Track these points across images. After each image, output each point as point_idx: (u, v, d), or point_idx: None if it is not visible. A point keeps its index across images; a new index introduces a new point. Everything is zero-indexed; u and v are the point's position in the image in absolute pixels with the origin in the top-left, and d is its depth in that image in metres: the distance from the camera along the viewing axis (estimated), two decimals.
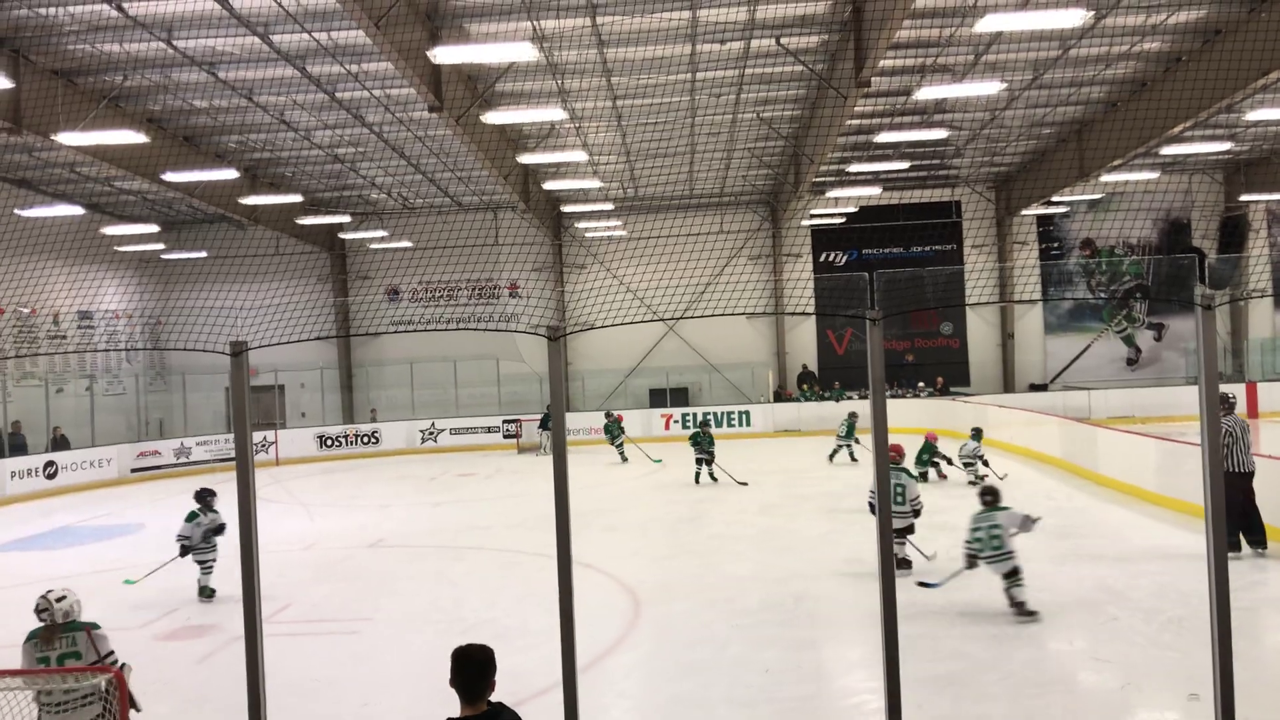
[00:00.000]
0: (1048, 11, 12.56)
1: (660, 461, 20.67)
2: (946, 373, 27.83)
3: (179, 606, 10.09)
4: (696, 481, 17.40)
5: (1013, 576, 8.50)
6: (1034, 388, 27.62)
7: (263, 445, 24.09)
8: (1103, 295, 28.59)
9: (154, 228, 25.03)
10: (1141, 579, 9.45)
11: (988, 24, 12.23)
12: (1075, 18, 12.15)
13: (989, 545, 8.67)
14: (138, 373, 27.22)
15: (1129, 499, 13.88)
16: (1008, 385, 28.04)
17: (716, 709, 6.73)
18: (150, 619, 9.67)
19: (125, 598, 10.70)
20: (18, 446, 20.81)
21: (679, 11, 13.94)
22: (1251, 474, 10.00)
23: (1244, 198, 26.97)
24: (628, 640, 8.33)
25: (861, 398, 26.23)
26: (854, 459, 19.28)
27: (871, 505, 10.11)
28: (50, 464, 20.51)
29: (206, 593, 10.39)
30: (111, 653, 5.51)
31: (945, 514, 12.29)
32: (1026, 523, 8.75)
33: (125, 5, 12.91)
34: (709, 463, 17.54)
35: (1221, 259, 27.66)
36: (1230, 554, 8.68)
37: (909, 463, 12.74)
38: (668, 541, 12.60)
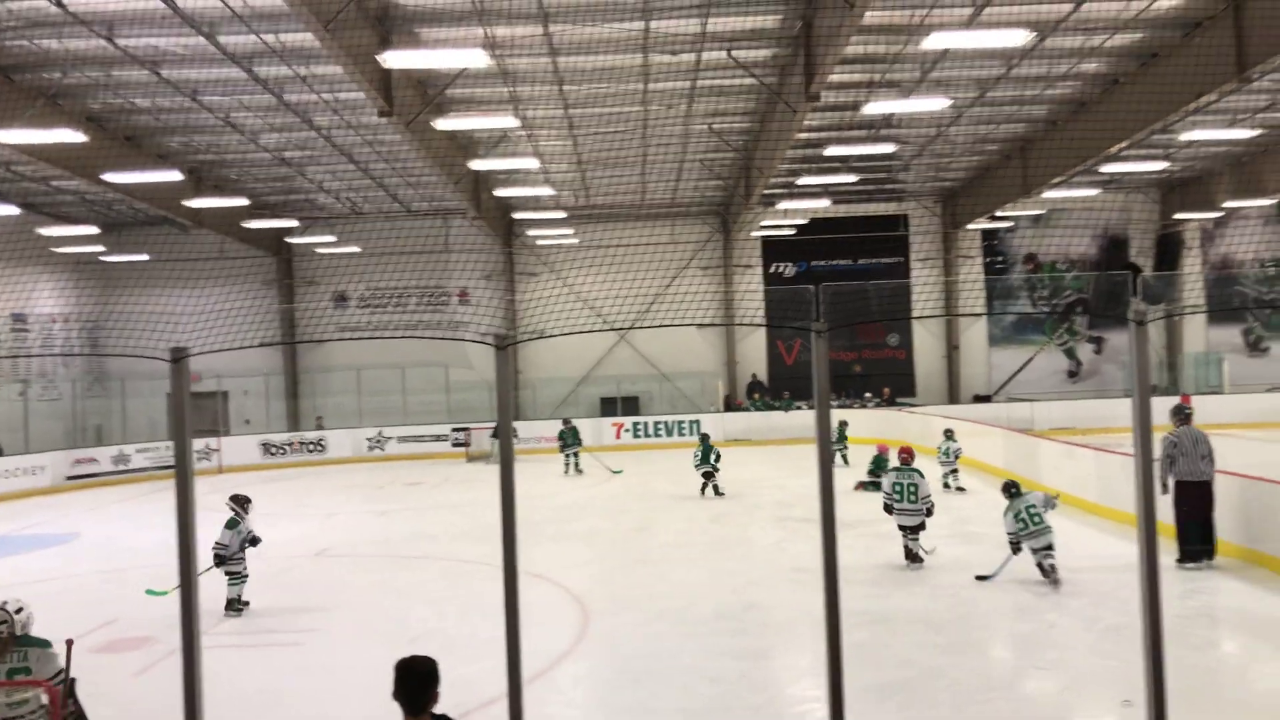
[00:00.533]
0: (992, 31, 12.86)
1: (620, 472, 20.61)
2: (893, 383, 28.21)
3: (116, 618, 9.82)
4: (703, 494, 16.74)
5: (1049, 548, 9.66)
6: (978, 399, 28.14)
7: (205, 453, 23.59)
8: (1045, 309, 29.25)
9: (93, 229, 24.42)
10: (1082, 587, 9.64)
11: (934, 41, 12.47)
12: (1018, 37, 12.45)
13: (1031, 523, 9.70)
14: (75, 378, 26.51)
15: (1070, 509, 14.14)
16: (953, 396, 28.52)
17: (666, 718, 6.72)
18: (86, 630, 9.39)
19: (57, 609, 10.39)
20: None
21: (631, 22, 13.99)
22: (1207, 483, 10.10)
23: (1178, 216, 27.80)
24: (576, 650, 8.29)
25: (810, 408, 26.47)
26: (846, 462, 19.57)
27: (888, 506, 11.11)
28: None
29: (236, 607, 9.77)
30: (61, 670, 5.27)
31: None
32: (1049, 501, 10.12)
33: (65, 1, 12.59)
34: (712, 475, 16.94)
35: (1155, 275, 28.46)
36: (1194, 564, 10.04)
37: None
38: (619, 551, 12.58)
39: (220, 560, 9.79)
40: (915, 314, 29.11)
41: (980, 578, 9.93)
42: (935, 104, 16.25)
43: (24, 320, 25.14)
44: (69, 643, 5.32)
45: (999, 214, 26.49)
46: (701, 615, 9.14)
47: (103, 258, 26.90)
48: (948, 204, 28.90)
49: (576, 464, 21.31)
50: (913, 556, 10.84)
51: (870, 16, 13.42)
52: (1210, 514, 10.15)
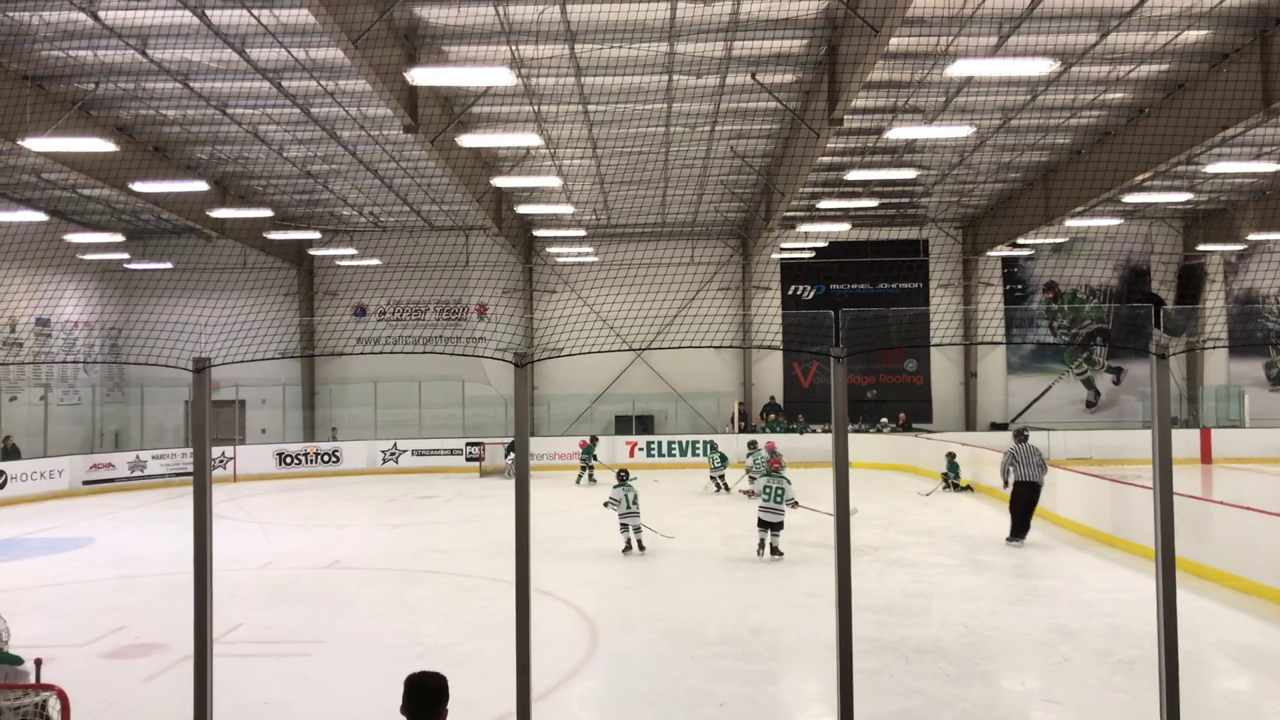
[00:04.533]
0: (1017, 60, 12.86)
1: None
2: (909, 409, 28.09)
3: (126, 624, 9.87)
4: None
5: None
6: (995, 426, 27.95)
7: (221, 461, 23.74)
8: (1065, 338, 29.08)
9: (119, 237, 24.70)
10: (1095, 620, 9.55)
11: (959, 69, 12.48)
12: (1043, 66, 12.44)
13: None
14: (95, 383, 26.77)
15: (1085, 540, 14.05)
16: (969, 423, 28.37)
17: None
18: (96, 635, 9.46)
19: (69, 614, 10.46)
20: None
21: (657, 43, 14.10)
22: (1037, 485, 13.76)
23: (1201, 247, 27.63)
24: (584, 670, 8.27)
25: (825, 431, 26.39)
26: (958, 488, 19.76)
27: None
28: None
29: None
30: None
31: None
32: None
33: (100, 13, 12.81)
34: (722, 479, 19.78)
35: (1177, 308, 28.27)
36: (1014, 541, 13.68)
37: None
38: (628, 570, 12.54)
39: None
40: (934, 341, 28.98)
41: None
42: (958, 131, 16.23)
43: (47, 325, 25.42)
44: (38, 661, 5.27)
45: (1020, 241, 26.42)
46: (709, 638, 9.10)
47: (127, 265, 27.21)
48: (968, 230, 28.85)
49: (591, 475, 22.04)
50: (774, 550, 12.68)
51: (895, 42, 13.50)
52: (1033, 507, 13.83)
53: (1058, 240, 27.62)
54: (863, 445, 24.21)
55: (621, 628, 9.52)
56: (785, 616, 9.89)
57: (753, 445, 20.74)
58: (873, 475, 22.35)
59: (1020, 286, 29.13)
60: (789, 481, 13.07)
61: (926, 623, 9.57)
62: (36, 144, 15.04)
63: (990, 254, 28.05)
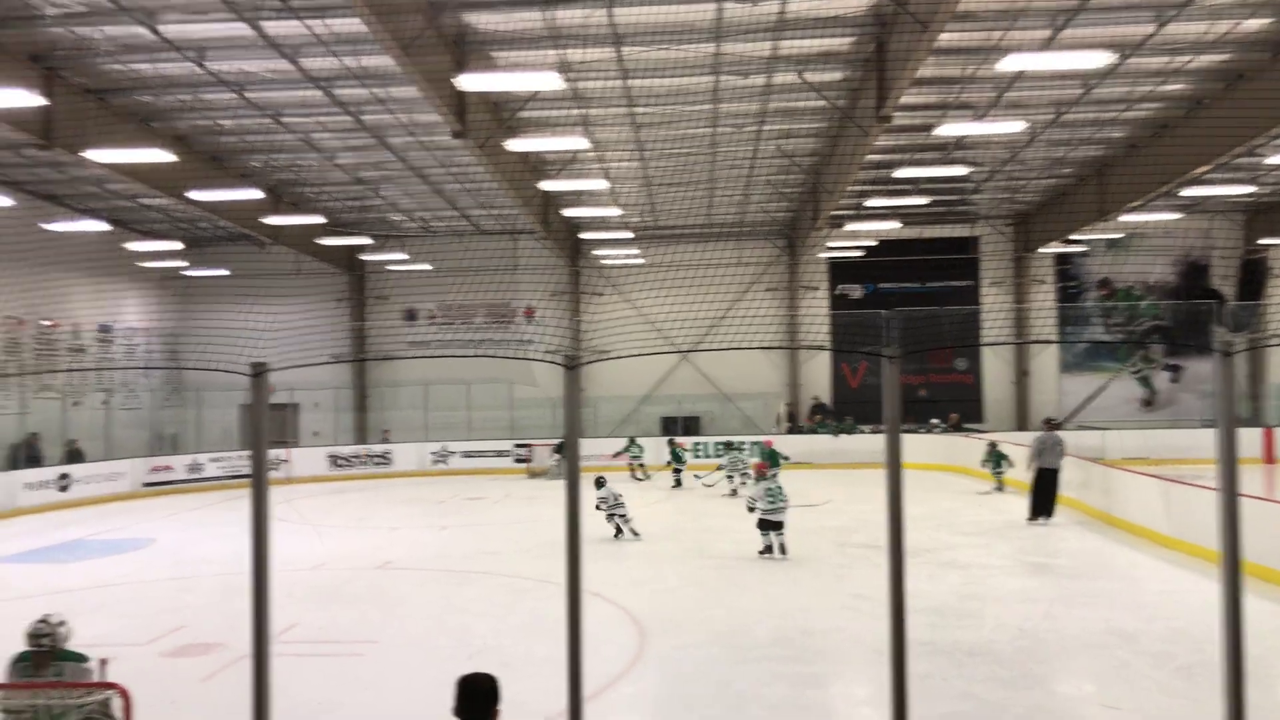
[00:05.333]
0: (1071, 53, 12.63)
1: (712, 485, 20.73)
2: (960, 409, 27.69)
3: (185, 624, 10.10)
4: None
5: None
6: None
7: (274, 463, 24.17)
8: (1120, 336, 28.47)
9: (177, 244, 25.33)
10: (1153, 623, 9.34)
11: (1010, 63, 12.30)
12: (1099, 59, 12.21)
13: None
14: (153, 388, 27.41)
15: (1142, 541, 13.75)
16: (1022, 423, 27.87)
17: None
18: (157, 635, 9.69)
19: (131, 613, 10.73)
20: (33, 458, 20.96)
21: (703, 44, 14.09)
22: (1058, 471, 15.31)
23: (1264, 241, 26.86)
24: (633, 672, 8.28)
25: (875, 432, 26.12)
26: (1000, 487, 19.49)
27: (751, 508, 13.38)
28: (64, 476, 20.61)
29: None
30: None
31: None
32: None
33: (159, 27, 13.14)
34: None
35: (1240, 304, 27.51)
36: (1039, 520, 15.31)
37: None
38: (675, 571, 12.54)
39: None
40: (986, 340, 28.54)
41: None
42: (1010, 126, 16.00)
43: (108, 331, 26.10)
44: (103, 661, 5.36)
45: (1073, 238, 25.90)
46: (757, 640, 9.07)
47: (184, 272, 27.85)
48: (1020, 227, 28.38)
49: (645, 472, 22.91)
50: (782, 549, 12.92)
51: (944, 38, 13.32)
52: (1055, 491, 15.36)
53: (1113, 236, 27.03)
54: (913, 446, 23.70)
55: (670, 630, 9.52)
56: (834, 619, 9.82)
57: (728, 446, 21.52)
58: (922, 476, 22.06)
59: (1074, 283, 28.57)
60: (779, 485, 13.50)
61: (979, 625, 9.44)
62: (99, 155, 15.45)
63: (1043, 250, 27.57)
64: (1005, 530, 15.12)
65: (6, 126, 15.11)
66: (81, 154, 15.50)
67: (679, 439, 23.82)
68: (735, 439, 23.54)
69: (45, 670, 5.18)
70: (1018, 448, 20.27)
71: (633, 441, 24.10)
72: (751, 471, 19.45)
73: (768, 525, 13.02)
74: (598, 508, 14.80)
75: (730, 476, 20.22)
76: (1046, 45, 13.78)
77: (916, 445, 24.26)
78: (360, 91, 15.78)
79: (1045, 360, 28.61)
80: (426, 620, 10.23)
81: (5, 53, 13.77)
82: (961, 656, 8.37)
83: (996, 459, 19.57)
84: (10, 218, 20.14)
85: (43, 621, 5.25)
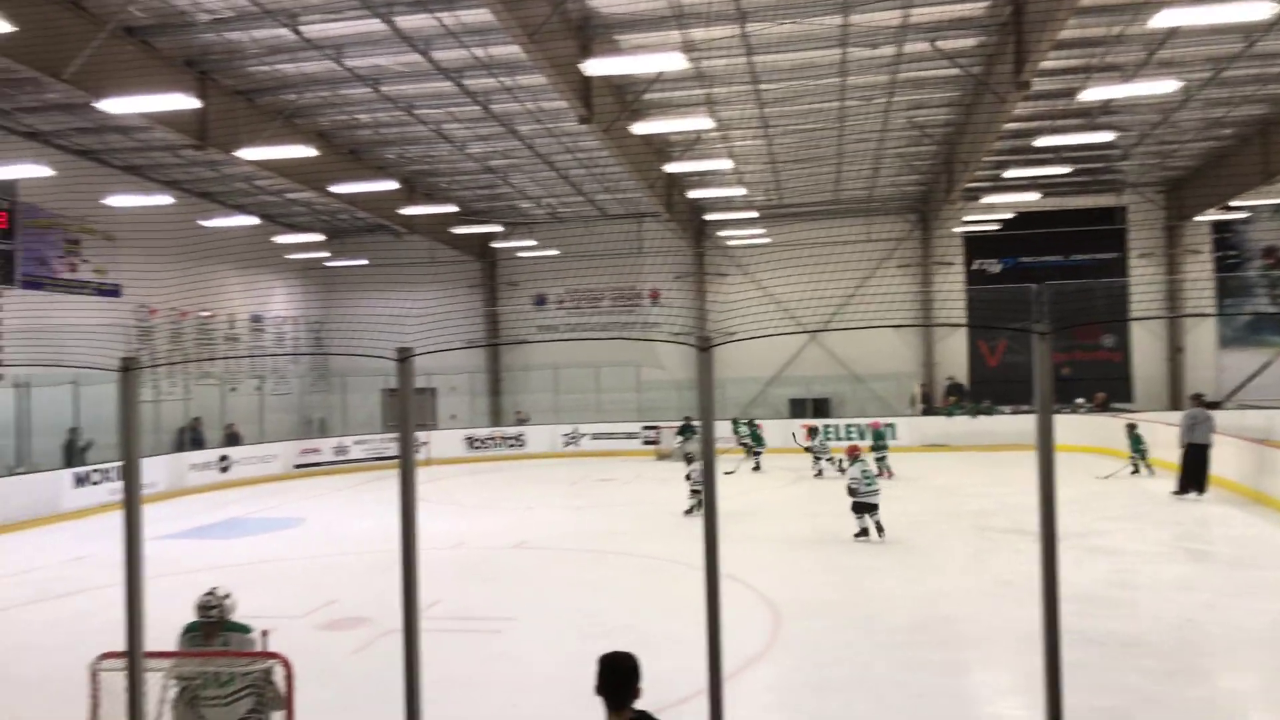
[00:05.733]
0: (1231, 4, 11.72)
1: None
2: (1108, 388, 26.32)
3: (336, 599, 10.58)
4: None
5: None
6: (1205, 406, 25.80)
7: (417, 446, 25.03)
8: None
9: (319, 236, 26.50)
10: None
11: (1162, 19, 11.53)
12: (1262, 9, 11.29)
13: None
14: (302, 374, 28.82)
15: None
16: (1175, 402, 26.26)
17: None
18: (310, 609, 10.19)
19: (286, 588, 11.32)
20: (197, 441, 22.38)
21: (830, 17, 13.75)
22: (1207, 445, 15.32)
23: None
24: (768, 654, 8.23)
25: (1015, 412, 25.15)
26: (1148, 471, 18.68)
27: (854, 490, 13.07)
28: (224, 458, 21.96)
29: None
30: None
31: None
32: None
33: (300, 27, 13.72)
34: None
35: None
36: (1192, 495, 15.35)
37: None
38: (809, 555, 12.40)
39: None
40: (1138, 314, 27.00)
41: None
42: (1162, 87, 14.98)
43: (260, 321, 27.57)
44: (264, 633, 5.61)
45: (1233, 204, 24.17)
46: (895, 625, 8.87)
47: (327, 263, 29.14)
48: (1172, 194, 26.69)
49: (757, 464, 22.03)
50: (879, 530, 12.84)
51: None
52: (1206, 467, 15.37)
53: (1278, 201, 25.10)
54: (1057, 426, 22.88)
55: (805, 613, 9.42)
56: (976, 605, 9.51)
57: (736, 423, 21.94)
58: (1067, 458, 21.11)
59: (1234, 253, 26.70)
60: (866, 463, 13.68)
61: (1133, 615, 8.98)
62: (249, 154, 16.28)
63: (1198, 219, 25.86)
64: (1157, 514, 14.33)
65: (166, 129, 16.12)
66: (233, 153, 16.36)
67: (759, 421, 23.53)
68: (741, 419, 23.40)
69: (214, 640, 5.48)
70: (1169, 427, 19.22)
71: (741, 422, 23.66)
72: (837, 455, 19.54)
73: (863, 508, 12.99)
74: (688, 477, 15.57)
75: (818, 458, 20.33)
76: None
77: (1062, 426, 23.23)
78: (489, 81, 16.09)
79: (1202, 335, 26.88)
80: (562, 598, 10.42)
81: (163, 59, 14.66)
82: (1116, 647, 7.97)
83: (1135, 440, 18.65)
84: (171, 215, 21.50)
85: (210, 594, 5.55)
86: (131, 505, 4.78)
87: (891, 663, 7.80)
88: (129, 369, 4.80)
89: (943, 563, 11.57)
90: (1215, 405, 15.62)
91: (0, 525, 16.11)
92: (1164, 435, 18.35)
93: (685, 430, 24.10)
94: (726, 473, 19.75)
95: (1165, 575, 10.50)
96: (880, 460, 19.46)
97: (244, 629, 5.60)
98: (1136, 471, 18.57)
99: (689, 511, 15.21)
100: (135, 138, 19.15)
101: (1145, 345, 27.27)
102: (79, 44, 12.68)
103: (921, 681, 7.35)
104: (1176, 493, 15.53)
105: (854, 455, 14.05)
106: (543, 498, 18.60)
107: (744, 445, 22.68)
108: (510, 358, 30.54)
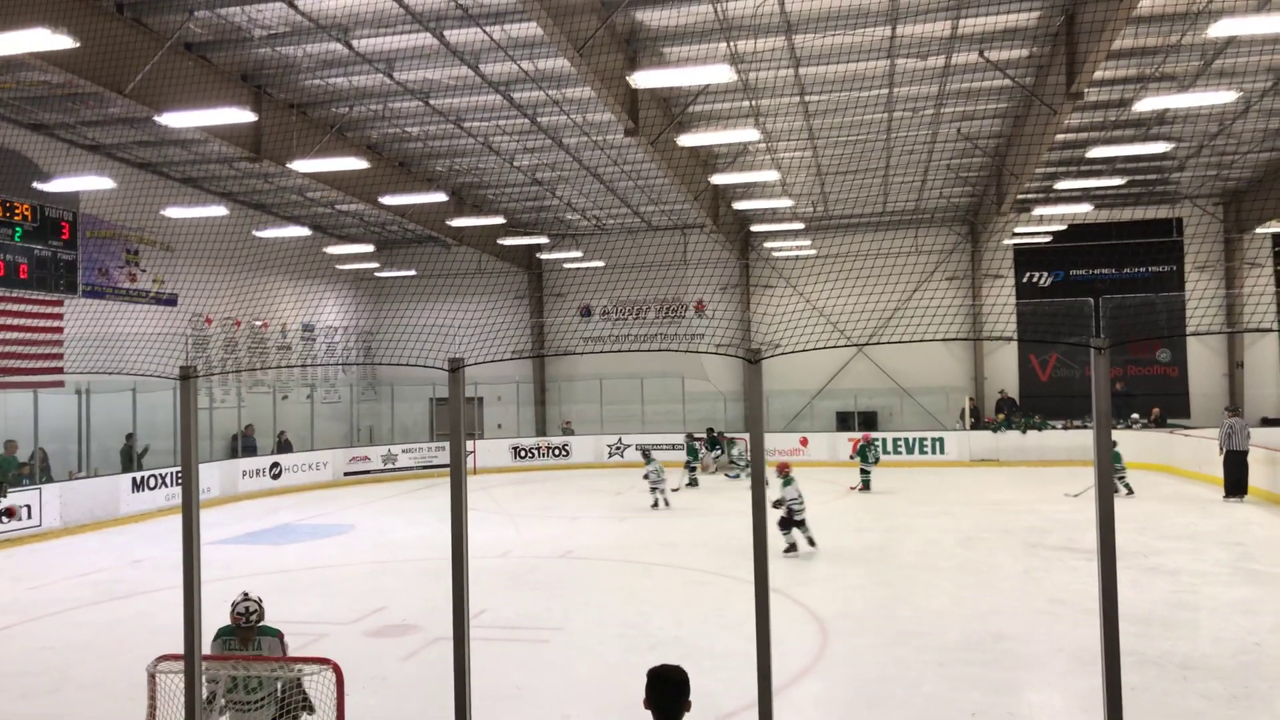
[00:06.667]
0: None
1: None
2: (1163, 403, 25.76)
3: (386, 605, 10.69)
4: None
5: None
6: (1267, 422, 25.10)
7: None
8: None
9: (369, 247, 26.87)
10: None
11: (1220, 29, 11.29)
12: None
13: None
14: (352, 383, 29.23)
15: None
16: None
17: None
18: (360, 615, 10.31)
19: (337, 594, 11.46)
20: (249, 448, 22.77)
21: (878, 28, 13.68)
22: (1245, 452, 16.59)
23: None
24: (815, 669, 8.16)
25: (1067, 428, 24.71)
26: (1129, 490, 18.00)
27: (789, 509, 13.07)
28: (275, 465, 22.32)
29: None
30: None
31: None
32: None
33: (352, 42, 13.96)
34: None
35: None
36: (1234, 498, 16.64)
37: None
38: (857, 570, 12.26)
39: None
40: (1197, 329, 26.35)
41: None
42: (1219, 97, 14.66)
43: (311, 330, 28.02)
44: (279, 635, 5.73)
45: None
46: (946, 643, 8.73)
47: (377, 274, 29.56)
48: (1230, 206, 26.10)
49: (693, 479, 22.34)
50: (810, 542, 13.19)
51: (1143, 5, 12.40)
52: (1246, 472, 16.57)
53: None
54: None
55: (853, 629, 9.32)
56: (1028, 624, 9.34)
57: (647, 455, 19.39)
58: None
59: None
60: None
61: (1194, 637, 8.76)
62: (302, 166, 16.58)
63: (1259, 231, 25.24)
64: (1220, 535, 13.97)
65: (222, 142, 16.48)
66: (286, 165, 16.67)
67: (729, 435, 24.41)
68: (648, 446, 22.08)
69: (250, 644, 5.58)
70: (1213, 442, 18.78)
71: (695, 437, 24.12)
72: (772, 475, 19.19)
73: (790, 524, 13.15)
74: (645, 477, 17.63)
75: (865, 471, 20.09)
76: (1263, 6, 12.59)
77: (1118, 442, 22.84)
78: (536, 94, 16.22)
79: (1263, 350, 26.21)
80: (608, 609, 10.42)
81: (220, 74, 15.00)
82: (1174, 669, 7.78)
83: (1114, 458, 18.05)
84: (226, 227, 21.94)
85: (245, 598, 5.64)
86: (189, 510, 4.88)
87: (942, 681, 7.69)
88: (187, 377, 4.91)
89: (994, 580, 11.38)
90: (1239, 412, 18.21)
91: (62, 528, 16.54)
92: (1207, 451, 18.79)
93: (712, 444, 24.17)
94: (673, 490, 19.63)
95: (1226, 597, 10.23)
96: (865, 475, 19.96)
97: (275, 633, 5.72)
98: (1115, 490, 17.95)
99: (654, 506, 17.74)
100: (192, 150, 19.61)
101: (1202, 360, 26.66)
102: (140, 60, 13.03)
103: (974, 700, 7.23)
104: (1226, 497, 16.86)
105: (784, 473, 13.55)
106: (588, 508, 18.62)
107: (686, 462, 22.80)
108: (555, 368, 30.68)
